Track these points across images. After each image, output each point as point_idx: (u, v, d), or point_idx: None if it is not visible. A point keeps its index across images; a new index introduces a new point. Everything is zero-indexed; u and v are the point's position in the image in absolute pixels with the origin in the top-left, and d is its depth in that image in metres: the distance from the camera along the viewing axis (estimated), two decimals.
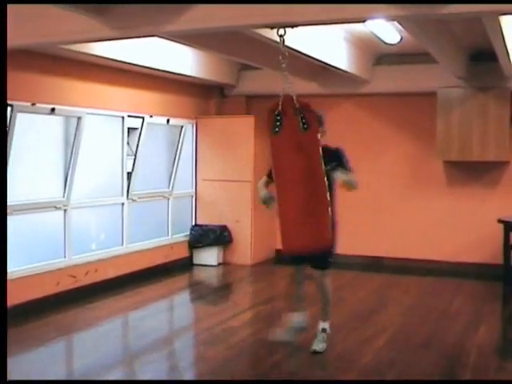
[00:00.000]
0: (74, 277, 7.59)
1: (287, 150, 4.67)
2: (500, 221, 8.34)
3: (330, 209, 4.86)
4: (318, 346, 5.77)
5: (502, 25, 5.68)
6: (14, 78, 6.65)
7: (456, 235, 9.49)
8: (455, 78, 8.63)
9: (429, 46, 6.69)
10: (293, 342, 5.89)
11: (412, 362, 5.62)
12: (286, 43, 4.76)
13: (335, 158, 5.56)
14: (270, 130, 4.68)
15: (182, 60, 8.28)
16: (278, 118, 4.62)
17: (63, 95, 7.39)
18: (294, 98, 4.64)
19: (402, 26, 5.90)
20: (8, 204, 6.71)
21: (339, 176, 5.55)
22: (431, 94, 9.11)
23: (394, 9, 4.32)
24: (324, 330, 5.88)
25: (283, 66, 4.69)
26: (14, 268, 6.85)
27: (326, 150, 5.20)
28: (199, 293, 8.83)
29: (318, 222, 4.76)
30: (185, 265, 9.69)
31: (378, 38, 7.46)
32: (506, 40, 6.22)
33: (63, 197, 7.58)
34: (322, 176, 4.76)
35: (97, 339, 6.41)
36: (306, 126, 4.62)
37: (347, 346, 6.06)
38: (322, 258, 5.78)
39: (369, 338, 6.27)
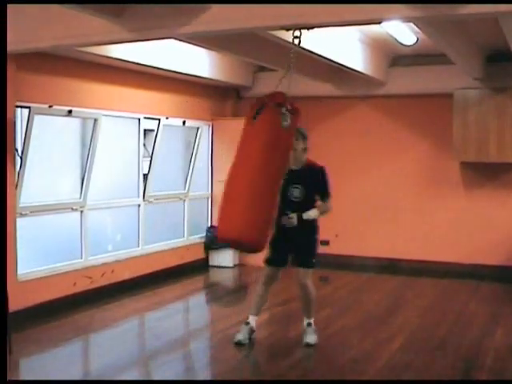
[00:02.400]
0: (91, 278, 7.62)
1: (256, 139, 4.62)
2: None
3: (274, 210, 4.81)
4: (311, 338, 5.88)
5: None
6: (31, 81, 6.73)
7: (473, 237, 9.43)
8: (472, 79, 8.59)
9: (445, 47, 6.66)
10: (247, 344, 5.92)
11: (428, 364, 5.58)
12: (302, 44, 4.77)
13: (317, 180, 5.85)
14: (248, 119, 4.68)
15: (198, 62, 8.30)
16: (261, 107, 4.61)
17: (80, 97, 7.43)
18: (287, 96, 4.62)
19: (418, 27, 5.88)
20: (25, 205, 6.79)
21: (318, 207, 5.90)
22: (447, 96, 9.06)
23: (410, 9, 4.31)
24: (310, 324, 5.99)
25: (291, 65, 4.70)
26: (31, 269, 6.90)
27: (310, 165, 5.61)
28: (215, 294, 8.85)
29: (256, 215, 4.62)
30: (201, 266, 9.70)
31: (394, 38, 7.44)
32: None
33: (80, 198, 7.62)
34: (280, 177, 4.74)
35: (113, 340, 6.43)
36: (286, 124, 4.57)
37: (363, 348, 6.04)
38: (307, 256, 5.89)
39: (384, 340, 6.25)
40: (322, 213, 5.92)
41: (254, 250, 4.82)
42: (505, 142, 8.81)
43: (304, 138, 5.71)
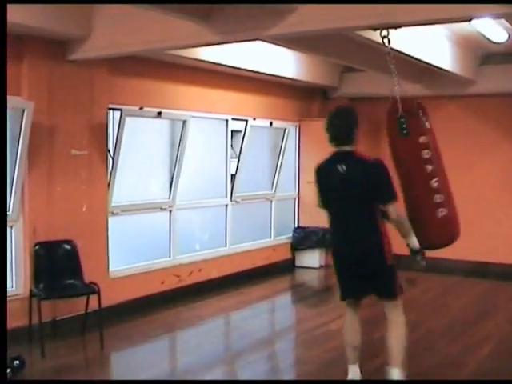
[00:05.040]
0: (179, 276, 7.76)
1: (416, 153, 4.64)
2: None
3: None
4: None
5: None
6: (123, 84, 6.92)
7: None
8: None
9: None
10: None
11: None
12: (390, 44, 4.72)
13: (373, 177, 4.46)
14: (395, 132, 4.64)
15: (285, 63, 8.32)
16: (403, 120, 4.58)
17: (169, 99, 7.59)
18: (412, 100, 4.64)
19: (510, 24, 5.70)
20: (116, 204, 6.98)
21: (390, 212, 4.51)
22: None
23: (501, 6, 4.19)
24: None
25: (392, 66, 4.67)
26: (122, 266, 7.09)
27: (360, 161, 4.51)
28: (301, 295, 8.86)
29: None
30: (287, 266, 9.72)
31: (484, 36, 7.24)
32: None
33: (169, 198, 7.78)
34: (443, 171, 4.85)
35: (199, 338, 6.53)
36: (427, 126, 4.63)
37: (449, 353, 5.90)
38: (384, 280, 4.63)
39: (472, 346, 6.09)
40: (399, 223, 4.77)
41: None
42: None
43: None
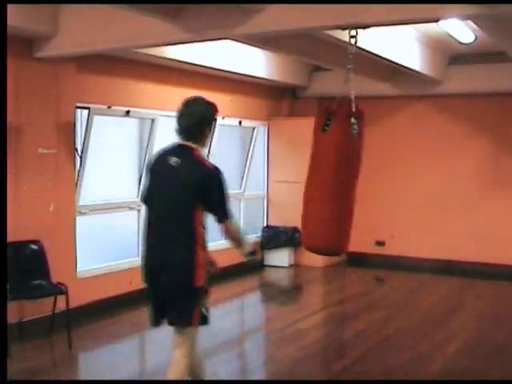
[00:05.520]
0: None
1: (329, 151, 4.59)
2: None
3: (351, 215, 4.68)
4: None
5: None
6: (90, 82, 6.85)
7: None
8: None
9: (505, 45, 6.51)
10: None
11: (485, 370, 5.46)
12: (359, 44, 4.73)
13: (207, 187, 3.89)
14: (318, 128, 4.64)
15: (255, 62, 8.32)
16: (329, 118, 4.56)
17: (137, 98, 7.54)
18: (353, 101, 4.55)
19: (477, 25, 5.76)
20: (84, 204, 6.92)
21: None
22: (508, 95, 8.89)
23: (468, 7, 4.23)
24: None
25: (349, 67, 4.66)
26: (89, 266, 7.05)
27: (199, 163, 3.94)
28: (270, 294, 8.87)
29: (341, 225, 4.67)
30: (256, 266, 9.72)
31: (452, 37, 7.32)
32: None
33: (137, 197, 7.72)
34: (355, 185, 4.68)
35: (168, 338, 6.46)
36: (356, 132, 4.53)
37: (418, 350, 5.96)
38: (183, 303, 3.95)
39: (440, 343, 6.16)
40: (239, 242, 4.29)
41: (338, 254, 5.29)
42: None
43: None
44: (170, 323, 4.03)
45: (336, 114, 4.55)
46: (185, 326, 3.98)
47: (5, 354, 2.58)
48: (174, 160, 3.91)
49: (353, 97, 4.53)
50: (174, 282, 3.89)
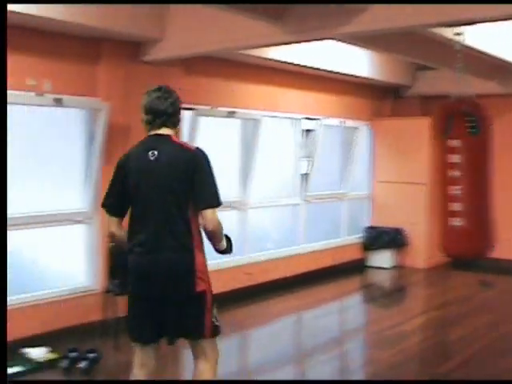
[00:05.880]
0: (250, 274, 7.81)
1: (457, 154, 4.52)
2: None
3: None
4: None
5: None
6: (195, 83, 6.99)
7: None
8: None
9: None
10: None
11: None
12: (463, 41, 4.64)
13: (195, 170, 3.47)
14: (440, 132, 4.55)
15: (357, 61, 8.27)
16: (450, 120, 4.46)
17: (241, 99, 7.65)
18: (468, 99, 4.45)
19: None
20: None
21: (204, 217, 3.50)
22: None
23: None
24: None
25: (458, 66, 4.57)
26: None
27: (181, 148, 3.56)
28: (371, 295, 8.80)
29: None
30: (358, 266, 9.66)
31: None
32: None
33: (241, 197, 7.84)
34: (489, 183, 4.57)
35: (269, 336, 6.57)
36: (479, 132, 4.42)
37: None
38: (189, 311, 3.51)
39: None
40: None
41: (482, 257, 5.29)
42: None
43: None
44: (175, 337, 3.57)
45: (457, 116, 4.47)
46: (198, 338, 3.54)
47: (5, 353, 2.62)
48: (152, 153, 3.49)
49: (470, 95, 4.45)
50: (175, 286, 3.44)
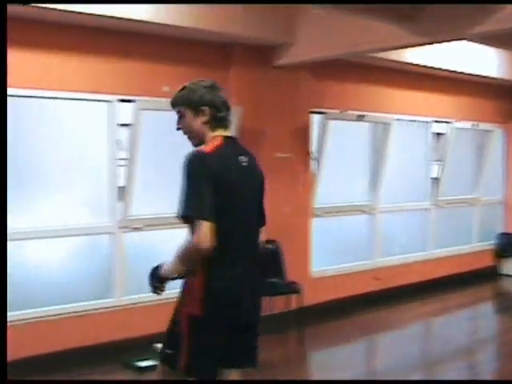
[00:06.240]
0: (379, 279, 7.73)
1: None
2: None
3: None
4: None
5: None
6: (324, 87, 7.02)
7: None
8: None
9: None
10: None
11: None
12: None
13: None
14: None
15: (488, 62, 7.99)
16: None
17: (371, 102, 7.60)
18: None
19: None
20: (319, 206, 7.07)
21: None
22: None
23: None
24: None
25: None
26: (322, 267, 7.19)
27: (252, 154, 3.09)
28: (505, 304, 8.48)
29: None
30: (490, 274, 9.34)
31: None
32: None
33: (370, 201, 7.79)
34: None
35: (398, 342, 6.49)
36: None
37: None
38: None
39: None
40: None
41: None
42: None
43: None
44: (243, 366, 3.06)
45: None
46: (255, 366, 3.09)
47: (5, 353, 2.64)
48: (244, 159, 2.99)
49: None
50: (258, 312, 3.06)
